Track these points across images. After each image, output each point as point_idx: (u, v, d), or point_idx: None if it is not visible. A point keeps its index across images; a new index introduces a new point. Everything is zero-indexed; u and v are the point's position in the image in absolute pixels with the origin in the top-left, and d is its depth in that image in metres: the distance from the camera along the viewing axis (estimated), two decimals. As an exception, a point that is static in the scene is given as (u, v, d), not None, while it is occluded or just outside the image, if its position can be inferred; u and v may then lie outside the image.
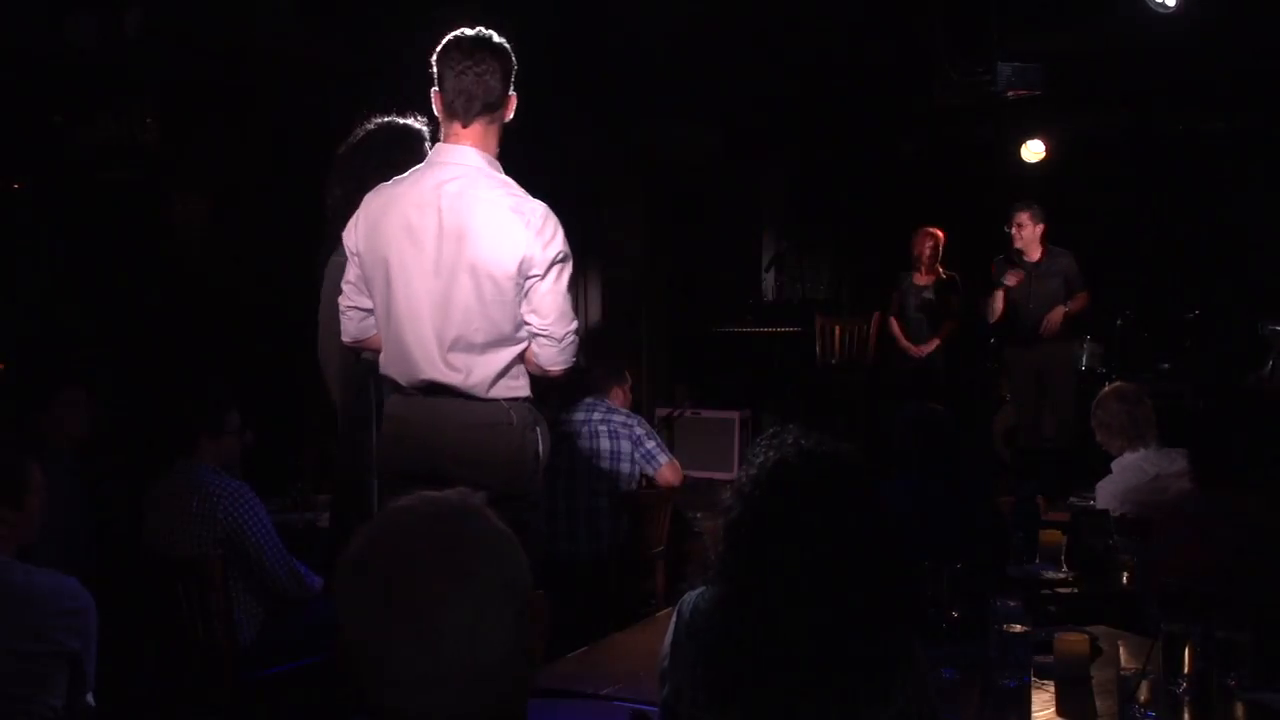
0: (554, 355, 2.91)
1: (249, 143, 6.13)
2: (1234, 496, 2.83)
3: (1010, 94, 6.60)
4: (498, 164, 2.91)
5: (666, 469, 4.87)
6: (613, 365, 5.30)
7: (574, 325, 2.94)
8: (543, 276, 2.83)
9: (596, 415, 4.85)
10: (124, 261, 5.93)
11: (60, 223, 5.82)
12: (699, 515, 5.31)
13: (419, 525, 1.24)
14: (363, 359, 3.44)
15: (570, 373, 3.04)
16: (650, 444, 4.85)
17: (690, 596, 1.89)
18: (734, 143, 8.22)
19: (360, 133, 3.47)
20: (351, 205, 3.06)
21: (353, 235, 2.92)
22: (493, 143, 2.89)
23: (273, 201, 5.93)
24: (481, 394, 2.84)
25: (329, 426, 3.85)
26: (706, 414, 6.36)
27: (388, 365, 2.91)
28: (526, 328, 2.89)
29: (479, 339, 2.81)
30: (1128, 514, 3.75)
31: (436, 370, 2.81)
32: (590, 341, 7.84)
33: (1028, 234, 6.71)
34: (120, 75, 5.73)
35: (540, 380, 3.00)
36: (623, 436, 4.80)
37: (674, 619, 1.88)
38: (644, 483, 4.89)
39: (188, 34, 5.52)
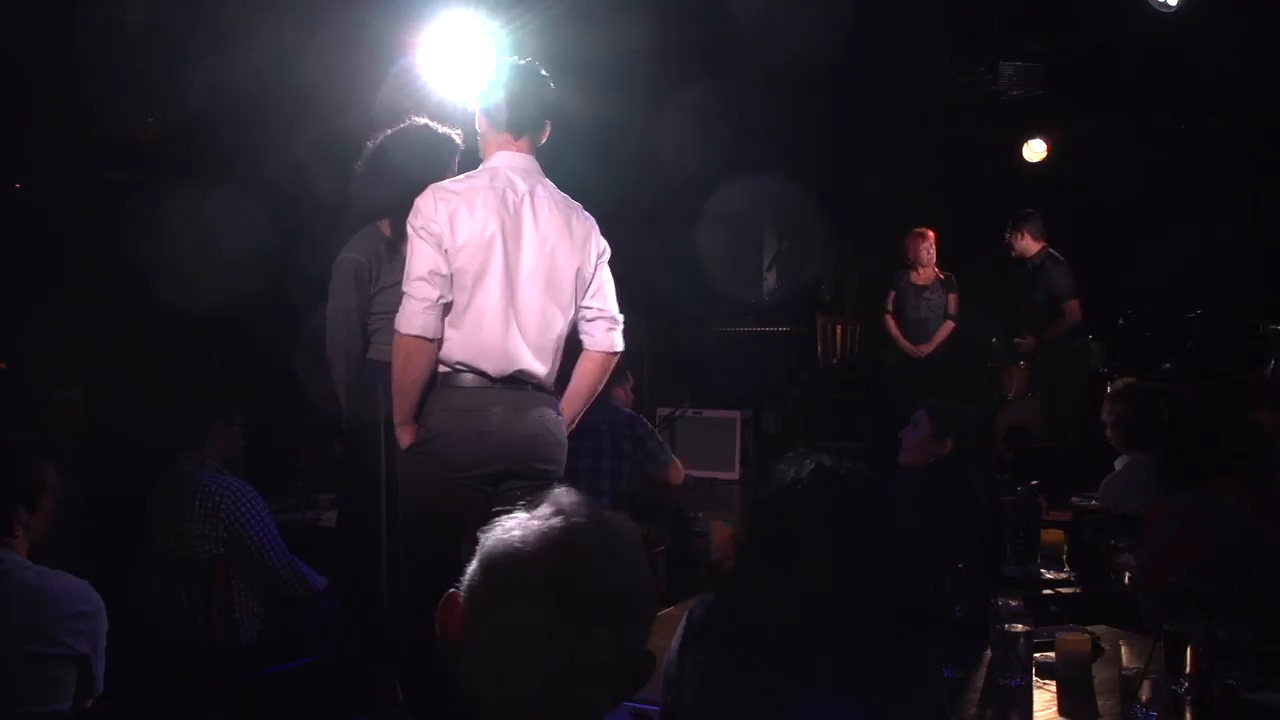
0: (619, 338, 3.13)
1: (249, 142, 6.12)
2: (1212, 492, 2.83)
3: (1012, 93, 6.61)
4: None
5: (668, 468, 4.86)
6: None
7: None
8: (605, 266, 3.10)
9: (598, 415, 4.83)
10: (123, 261, 5.92)
11: (60, 222, 5.82)
12: (700, 515, 5.31)
13: (593, 550, 1.19)
14: (369, 361, 3.43)
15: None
16: (652, 443, 4.84)
17: (701, 604, 1.88)
18: (734, 142, 8.20)
19: (400, 131, 3.48)
20: (389, 200, 3.12)
21: (440, 227, 2.88)
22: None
23: (272, 202, 5.92)
24: (550, 385, 3.02)
25: (330, 426, 3.84)
26: (707, 414, 6.36)
27: (472, 357, 2.91)
28: (591, 313, 3.08)
29: (558, 331, 3.01)
30: (1129, 513, 3.75)
31: (526, 362, 2.94)
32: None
33: (1030, 245, 6.84)
34: (120, 75, 5.71)
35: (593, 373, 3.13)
36: (624, 436, 4.78)
37: (683, 625, 1.87)
38: (645, 482, 4.88)
39: (187, 33, 5.51)
